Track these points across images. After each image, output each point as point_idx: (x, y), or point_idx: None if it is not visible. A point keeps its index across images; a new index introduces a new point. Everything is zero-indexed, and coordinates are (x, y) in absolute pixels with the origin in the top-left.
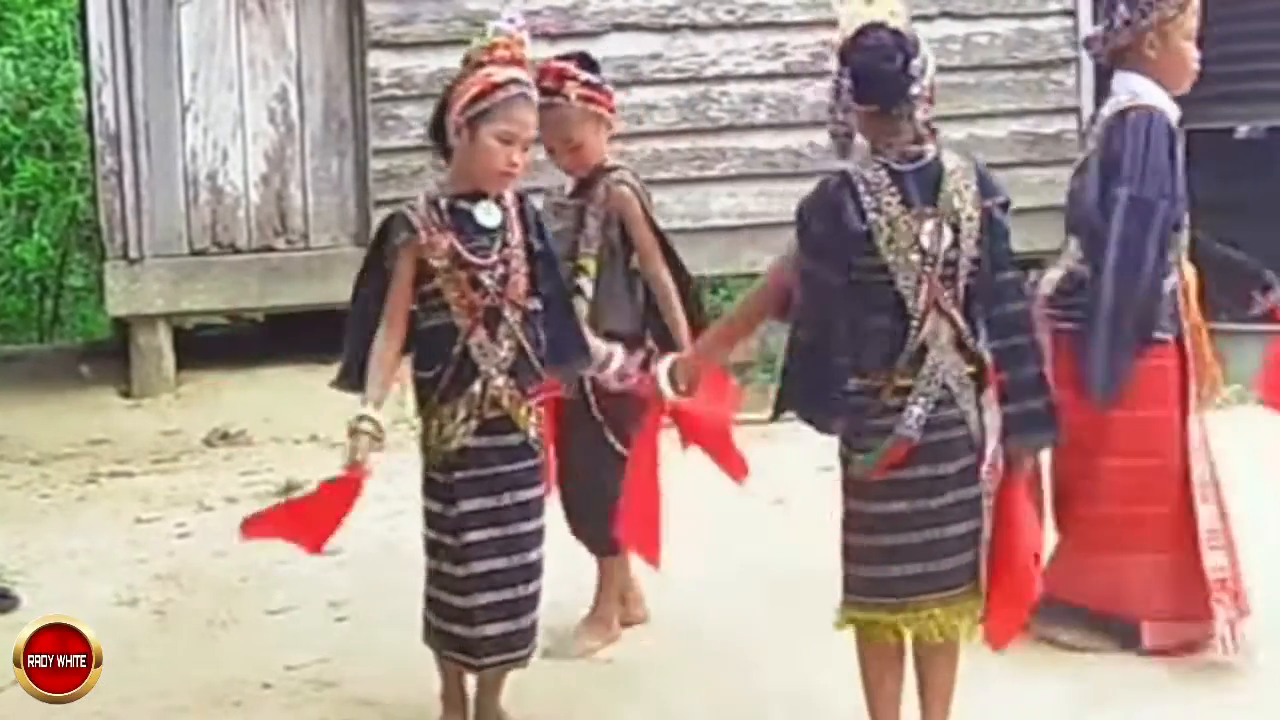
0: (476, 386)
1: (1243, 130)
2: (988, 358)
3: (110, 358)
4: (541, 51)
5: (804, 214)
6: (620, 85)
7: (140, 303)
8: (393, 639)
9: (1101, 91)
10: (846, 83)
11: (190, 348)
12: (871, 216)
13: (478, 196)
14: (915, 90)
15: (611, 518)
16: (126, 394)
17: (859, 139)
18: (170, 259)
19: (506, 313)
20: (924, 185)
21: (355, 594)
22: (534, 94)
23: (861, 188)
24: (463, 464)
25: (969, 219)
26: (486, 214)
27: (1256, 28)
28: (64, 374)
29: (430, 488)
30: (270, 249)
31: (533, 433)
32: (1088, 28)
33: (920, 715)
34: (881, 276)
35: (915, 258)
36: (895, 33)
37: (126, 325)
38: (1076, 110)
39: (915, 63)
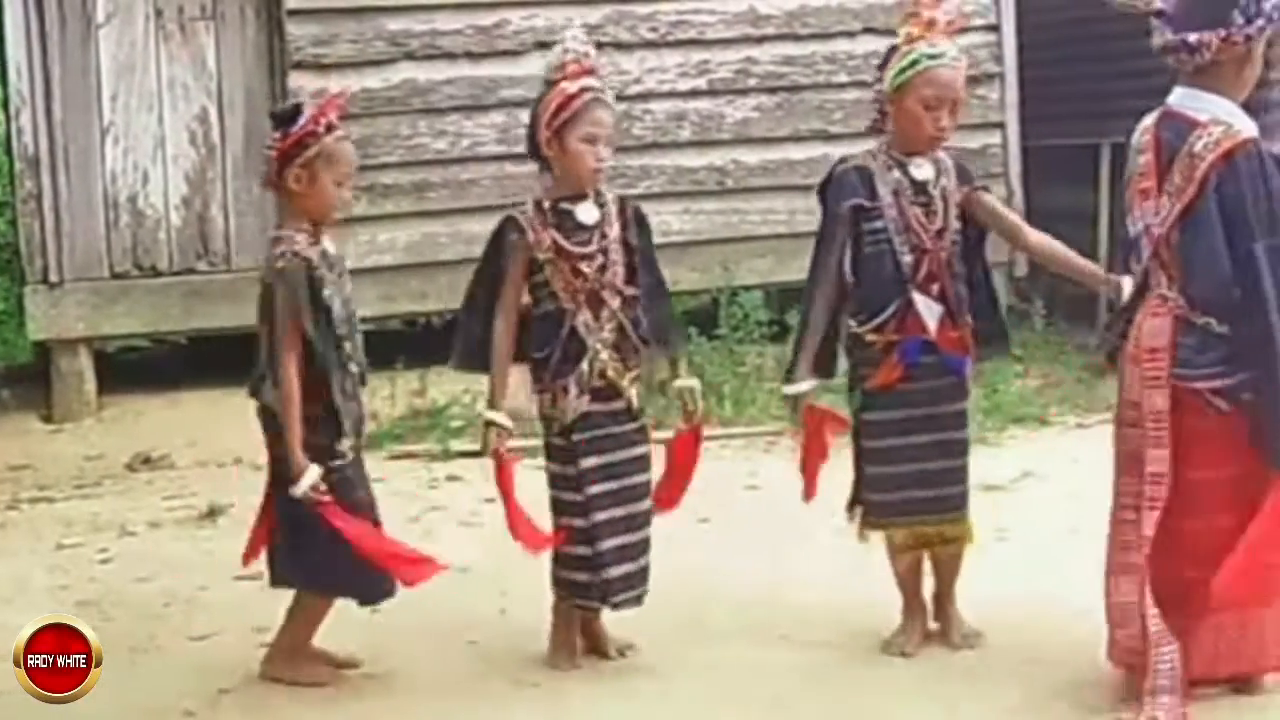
0: (585, 361)
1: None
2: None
3: (31, 382)
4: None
5: None
6: None
7: (61, 327)
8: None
9: (1028, 105)
10: None
11: (112, 371)
12: None
13: (578, 198)
14: None
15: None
16: (48, 418)
17: None
18: (91, 282)
19: (606, 296)
20: None
21: (279, 620)
22: (607, 96)
23: None
24: (581, 427)
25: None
26: (586, 213)
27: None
28: None
29: (552, 452)
30: (192, 271)
31: (634, 400)
32: (1011, 43)
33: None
34: None
35: None
36: None
37: (47, 349)
38: (1000, 125)
39: None
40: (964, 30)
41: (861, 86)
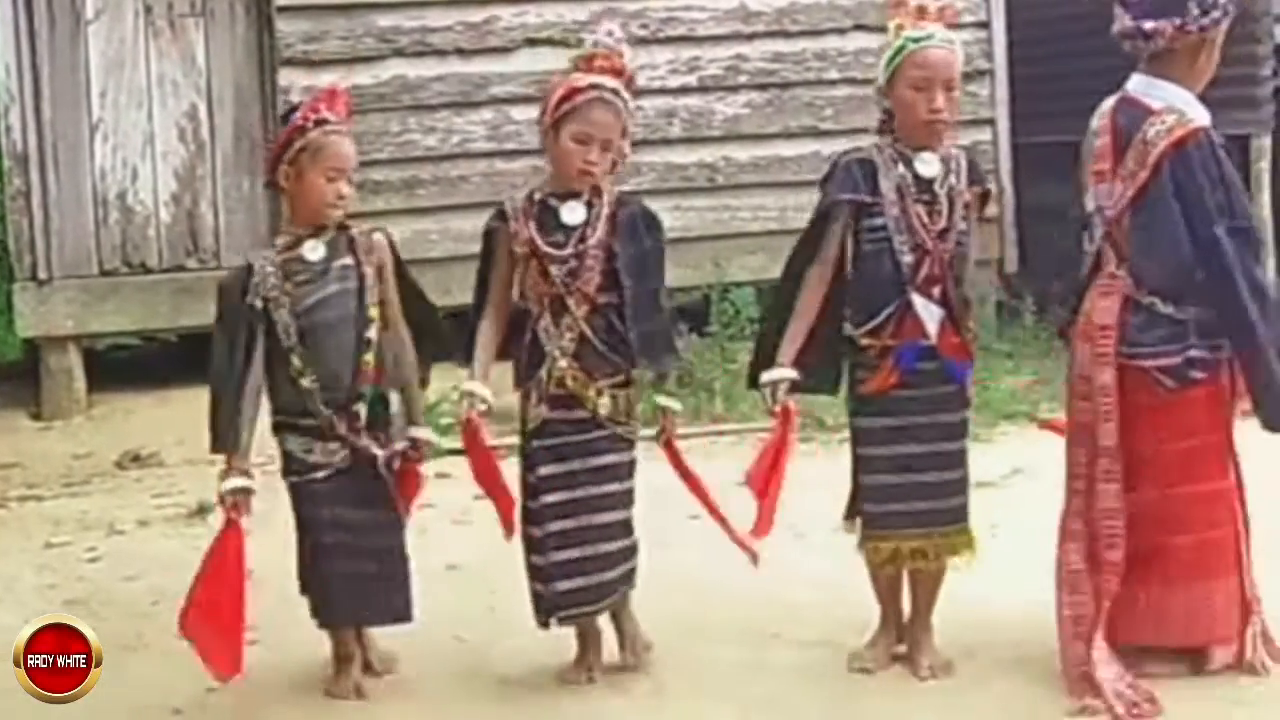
0: (544, 369)
1: None
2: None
3: (20, 380)
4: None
5: None
6: (532, 101)
7: (50, 324)
8: (305, 662)
9: (1018, 102)
10: None
11: (101, 369)
12: None
13: (567, 196)
14: None
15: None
16: (37, 416)
17: None
18: (80, 280)
19: (571, 303)
20: None
21: (265, 619)
22: (615, 98)
23: None
24: (540, 434)
25: None
26: (570, 212)
27: None
28: None
29: (520, 457)
30: (181, 268)
31: (604, 411)
32: (1001, 40)
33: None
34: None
35: None
36: None
37: (36, 347)
38: (991, 121)
39: None
40: (955, 25)
41: (852, 83)
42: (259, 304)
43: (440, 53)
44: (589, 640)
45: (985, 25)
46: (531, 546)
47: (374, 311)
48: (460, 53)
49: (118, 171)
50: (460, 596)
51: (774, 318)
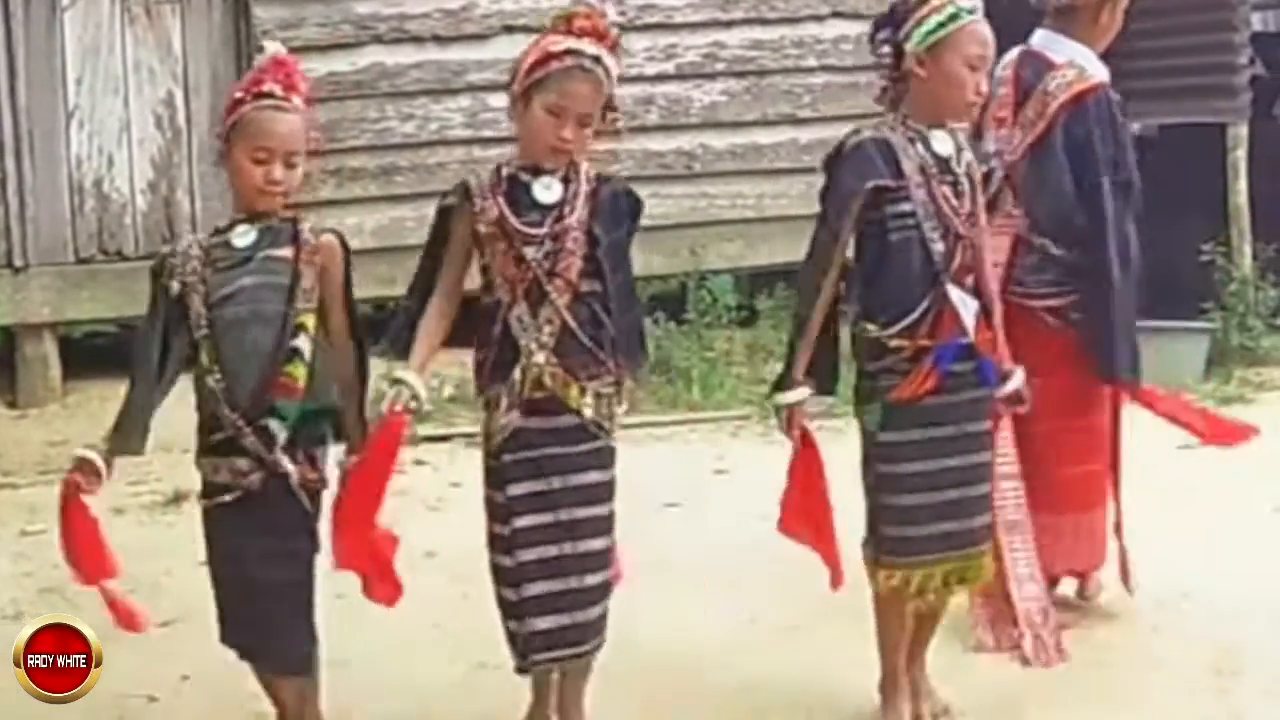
0: (518, 368)
1: (1134, 128)
2: None
3: None
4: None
5: None
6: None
7: (25, 312)
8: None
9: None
10: None
11: (77, 357)
12: None
13: (540, 171)
14: None
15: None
16: (12, 404)
17: None
18: (56, 267)
19: (551, 291)
20: None
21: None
22: (595, 67)
23: None
24: (512, 447)
25: None
26: (545, 189)
27: (1147, 25)
28: None
29: (486, 475)
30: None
31: (589, 414)
32: None
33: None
34: None
35: None
36: None
37: (12, 335)
38: None
39: None
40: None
41: (830, 71)
42: (175, 288)
43: (418, 39)
44: (544, 691)
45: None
46: (502, 578)
47: (307, 319)
48: (438, 40)
49: (94, 159)
50: (435, 583)
51: (796, 330)
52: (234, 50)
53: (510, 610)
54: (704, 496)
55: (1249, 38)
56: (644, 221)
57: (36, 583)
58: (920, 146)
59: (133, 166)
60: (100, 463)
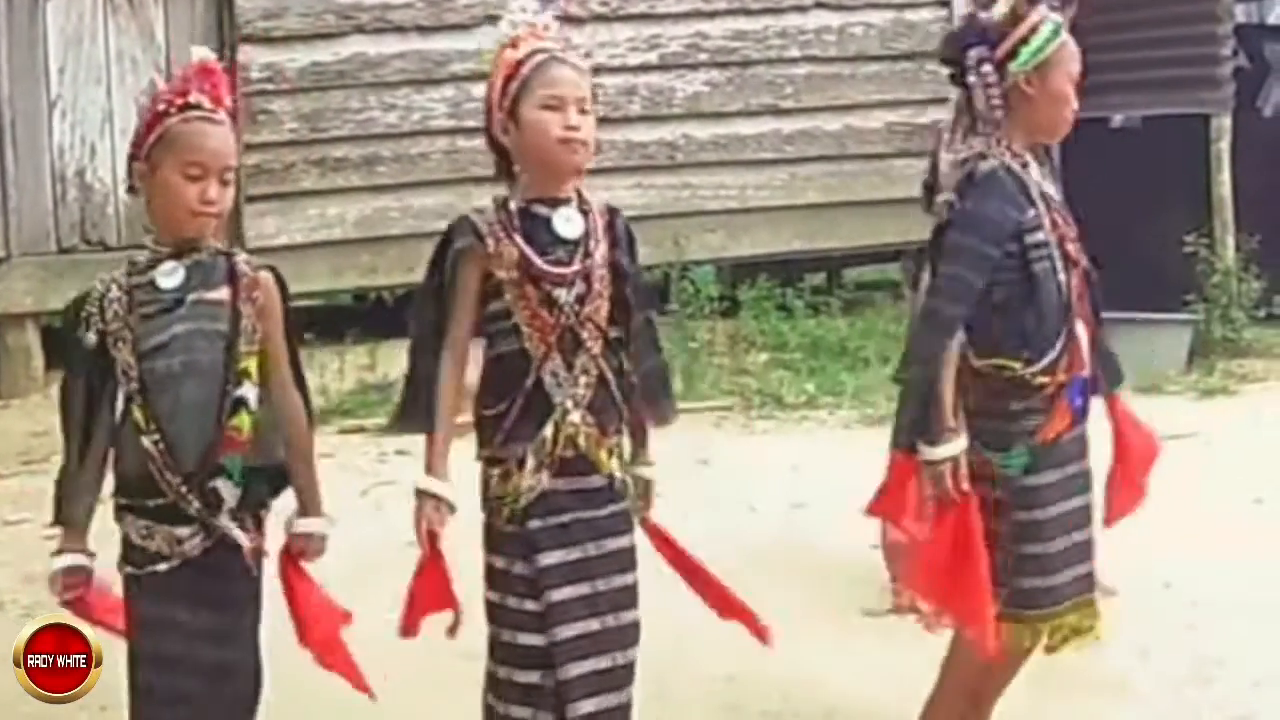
0: (550, 425)
1: (1117, 120)
2: None
3: None
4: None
5: None
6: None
7: (8, 302)
8: (273, 648)
9: None
10: None
11: (59, 347)
12: None
13: (557, 202)
14: None
15: None
16: None
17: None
18: (38, 257)
19: (586, 338)
20: None
21: None
22: (570, 58)
23: None
24: (540, 512)
25: None
26: (566, 222)
27: (1126, 18)
28: None
29: (497, 542)
30: (140, 247)
31: (617, 474)
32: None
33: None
34: None
35: None
36: None
37: None
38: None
39: None
40: (915, 5)
41: (813, 61)
42: (92, 338)
43: (401, 29)
44: None
45: (945, 4)
46: (521, 659)
47: (249, 364)
48: (421, 30)
49: (76, 149)
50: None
51: (933, 374)
52: (216, 39)
53: (535, 697)
54: (686, 487)
55: (1232, 29)
56: (627, 212)
57: (19, 571)
58: (1033, 171)
59: (115, 156)
60: (88, 563)
